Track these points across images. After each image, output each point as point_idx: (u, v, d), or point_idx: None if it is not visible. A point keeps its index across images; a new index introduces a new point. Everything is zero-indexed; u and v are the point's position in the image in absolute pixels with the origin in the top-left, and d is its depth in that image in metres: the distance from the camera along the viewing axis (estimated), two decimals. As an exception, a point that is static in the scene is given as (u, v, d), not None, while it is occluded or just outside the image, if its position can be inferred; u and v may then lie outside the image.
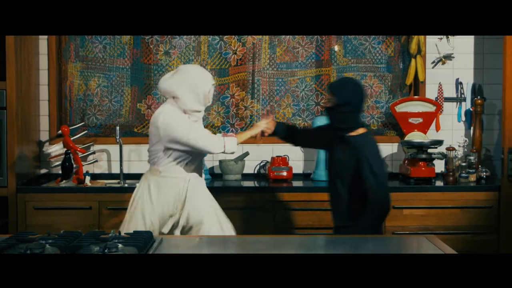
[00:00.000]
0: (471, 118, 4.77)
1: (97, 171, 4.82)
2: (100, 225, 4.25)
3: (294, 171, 4.72)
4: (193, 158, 3.51)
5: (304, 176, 4.79)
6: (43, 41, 4.79)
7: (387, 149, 4.86)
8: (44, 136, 4.81)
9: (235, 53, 4.82)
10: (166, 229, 3.46)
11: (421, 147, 4.52)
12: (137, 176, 4.65)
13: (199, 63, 4.80)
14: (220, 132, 4.81)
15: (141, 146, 4.74)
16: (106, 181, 4.72)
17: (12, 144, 4.32)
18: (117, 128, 4.57)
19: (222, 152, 3.55)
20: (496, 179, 4.63)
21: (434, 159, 4.52)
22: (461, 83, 4.82)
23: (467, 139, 4.73)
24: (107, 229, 3.98)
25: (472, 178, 4.49)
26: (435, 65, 4.81)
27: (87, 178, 4.53)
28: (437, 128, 4.78)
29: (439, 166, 4.65)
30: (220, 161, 4.68)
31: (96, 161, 4.79)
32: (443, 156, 4.50)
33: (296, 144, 3.99)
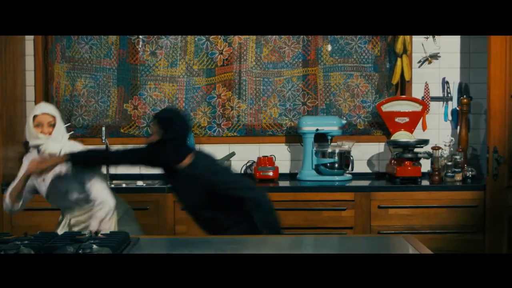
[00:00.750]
0: (458, 118, 4.77)
1: (83, 171, 4.81)
2: (85, 226, 4.24)
3: (281, 171, 4.72)
4: None
5: (291, 176, 4.79)
6: (29, 42, 4.79)
7: (374, 148, 4.86)
8: (30, 137, 4.80)
9: (221, 53, 4.82)
10: None
11: (407, 147, 4.53)
12: (123, 177, 4.68)
13: (185, 64, 4.80)
14: (206, 133, 4.82)
15: (128, 147, 4.74)
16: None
17: (-3, 145, 4.33)
18: (103, 128, 4.58)
19: None
20: (482, 178, 4.63)
21: (420, 158, 4.53)
22: (447, 82, 4.82)
23: (453, 138, 4.73)
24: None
25: (458, 177, 4.50)
26: (422, 64, 4.81)
27: (73, 179, 4.51)
28: (424, 127, 4.78)
29: (427, 165, 4.65)
30: (207, 161, 4.67)
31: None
32: (429, 155, 4.50)
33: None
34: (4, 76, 4.38)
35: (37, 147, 3.45)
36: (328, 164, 4.58)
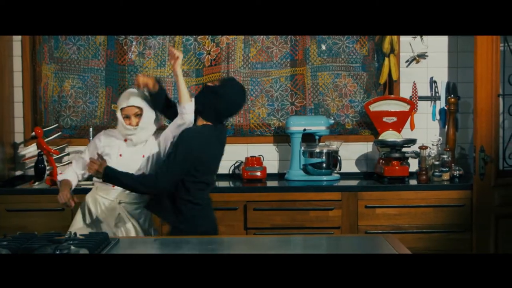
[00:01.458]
0: (446, 117, 4.77)
1: (72, 172, 4.81)
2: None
3: (269, 171, 4.72)
4: None
5: (279, 176, 4.79)
6: (17, 43, 4.79)
7: (362, 148, 4.87)
8: (18, 138, 4.81)
9: (209, 54, 4.82)
10: None
11: (395, 146, 4.53)
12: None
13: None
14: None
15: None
16: (80, 183, 4.71)
17: (-15, 146, 4.33)
18: (91, 129, 4.58)
19: None
20: (470, 177, 4.62)
21: (407, 158, 4.53)
22: (435, 81, 4.83)
23: (441, 137, 4.73)
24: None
25: (446, 176, 4.50)
26: (409, 64, 4.81)
27: (61, 180, 4.51)
28: (412, 127, 4.78)
29: (415, 165, 4.64)
30: (194, 162, 4.67)
31: (71, 162, 4.77)
32: (416, 155, 4.50)
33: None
34: (-9, 77, 4.38)
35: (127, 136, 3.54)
36: (316, 164, 4.58)
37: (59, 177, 3.65)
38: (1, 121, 4.55)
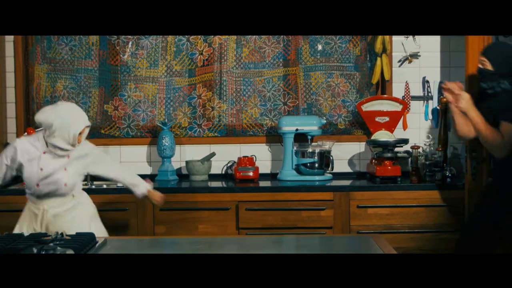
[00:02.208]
0: (438, 117, 4.77)
1: (64, 173, 4.81)
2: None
3: (262, 171, 4.72)
4: None
5: (272, 176, 4.79)
6: (9, 44, 4.79)
7: (355, 148, 4.87)
8: (11, 138, 4.80)
9: (202, 54, 4.82)
10: None
11: (387, 146, 4.53)
12: (103, 178, 4.66)
13: (166, 64, 4.80)
14: (187, 133, 4.82)
15: (109, 148, 4.78)
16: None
17: (-24, 147, 4.33)
18: (83, 129, 4.58)
19: None
20: (463, 177, 4.62)
21: (399, 158, 4.52)
22: (427, 81, 4.83)
23: (434, 137, 4.73)
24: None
25: (438, 176, 4.49)
26: (402, 63, 4.81)
27: (53, 180, 4.51)
28: (404, 127, 4.78)
29: (408, 165, 4.65)
30: (187, 162, 4.68)
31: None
32: (408, 154, 4.50)
33: None
34: (-18, 77, 4.38)
35: (61, 149, 3.45)
36: (308, 164, 4.58)
37: None
38: (-6, 121, 4.56)
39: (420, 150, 4.58)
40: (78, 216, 3.53)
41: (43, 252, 2.35)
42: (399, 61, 4.81)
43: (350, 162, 4.88)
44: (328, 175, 4.63)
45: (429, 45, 4.80)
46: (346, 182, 4.60)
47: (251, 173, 4.61)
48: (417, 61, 4.81)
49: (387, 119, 4.69)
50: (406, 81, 4.81)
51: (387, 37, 4.66)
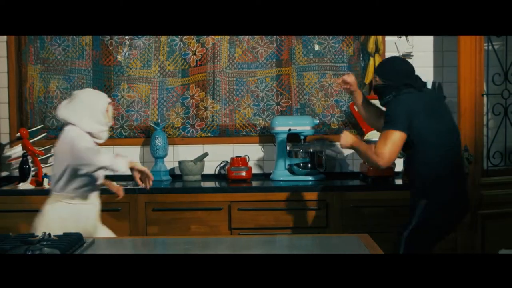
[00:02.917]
0: (431, 117, 4.76)
1: (57, 173, 4.81)
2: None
3: (255, 171, 4.73)
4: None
5: (265, 176, 4.79)
6: (2, 44, 4.79)
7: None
8: (4, 138, 4.81)
9: (195, 54, 4.82)
10: None
11: (379, 146, 4.51)
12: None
13: (159, 64, 4.80)
14: (180, 133, 4.82)
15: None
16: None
17: (-30, 147, 4.33)
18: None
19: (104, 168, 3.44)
20: (456, 177, 4.62)
21: (392, 157, 4.51)
22: (420, 81, 4.82)
23: (426, 137, 4.71)
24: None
25: (431, 176, 4.48)
26: (395, 63, 4.80)
27: (45, 181, 4.52)
28: (397, 126, 4.77)
29: (401, 165, 4.64)
30: (180, 162, 4.68)
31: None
32: (400, 155, 4.49)
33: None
34: (-25, 78, 4.38)
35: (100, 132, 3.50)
36: (301, 164, 4.58)
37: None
38: (-14, 122, 4.56)
39: (413, 150, 4.56)
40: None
41: (29, 253, 2.35)
42: (392, 61, 4.79)
43: (343, 162, 4.88)
44: (321, 175, 4.62)
45: (422, 45, 4.79)
46: (339, 182, 4.60)
47: (244, 173, 4.61)
48: (410, 61, 4.79)
49: (380, 119, 4.68)
50: (399, 81, 4.80)
51: (380, 37, 4.66)
